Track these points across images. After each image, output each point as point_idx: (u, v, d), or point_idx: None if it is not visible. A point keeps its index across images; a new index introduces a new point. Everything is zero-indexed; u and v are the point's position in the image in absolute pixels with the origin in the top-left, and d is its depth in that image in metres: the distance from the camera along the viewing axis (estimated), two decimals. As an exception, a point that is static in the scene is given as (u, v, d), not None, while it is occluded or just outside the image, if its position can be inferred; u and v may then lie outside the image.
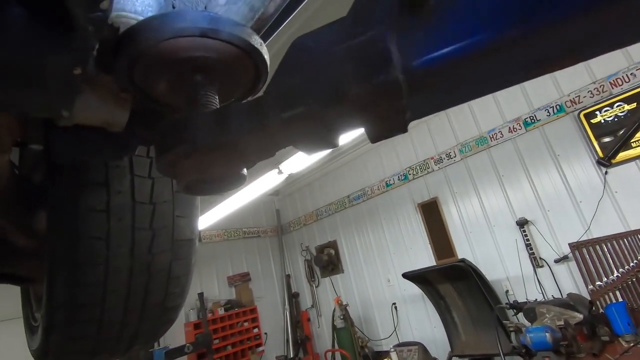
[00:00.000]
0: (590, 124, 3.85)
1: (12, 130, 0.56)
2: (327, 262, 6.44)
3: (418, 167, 5.37)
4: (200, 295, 5.59)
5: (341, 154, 6.12)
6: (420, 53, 0.32)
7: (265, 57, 0.49)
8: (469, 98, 0.39)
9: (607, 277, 3.51)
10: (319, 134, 0.38)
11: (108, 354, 0.85)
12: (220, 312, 5.82)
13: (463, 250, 4.80)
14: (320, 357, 6.15)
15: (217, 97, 0.48)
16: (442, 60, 0.31)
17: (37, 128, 0.60)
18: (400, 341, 5.07)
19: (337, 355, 5.65)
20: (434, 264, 5.04)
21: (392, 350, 4.54)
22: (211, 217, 5.33)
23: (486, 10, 0.30)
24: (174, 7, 0.51)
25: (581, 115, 3.90)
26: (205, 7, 0.52)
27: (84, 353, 0.84)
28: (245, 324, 6.01)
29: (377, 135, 0.39)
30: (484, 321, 4.23)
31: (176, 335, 5.36)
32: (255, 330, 6.12)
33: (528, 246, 4.19)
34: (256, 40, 0.46)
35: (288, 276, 6.98)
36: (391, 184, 5.72)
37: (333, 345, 5.67)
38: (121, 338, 0.84)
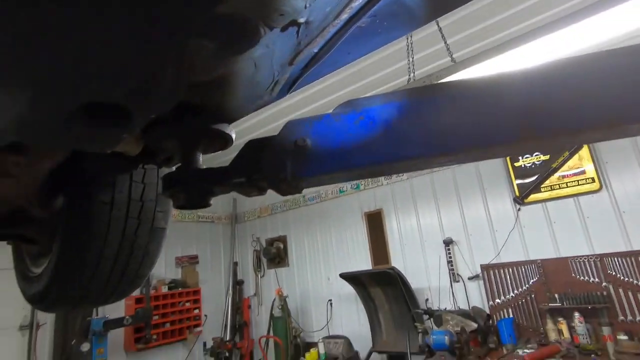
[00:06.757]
0: (513, 167, 4.52)
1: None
2: (275, 254, 6.80)
3: (370, 179, 5.87)
4: (147, 271, 5.73)
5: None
6: (301, 169, 0.70)
7: (232, 135, 0.86)
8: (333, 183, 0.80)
9: (504, 296, 4.19)
10: (252, 192, 0.76)
11: (88, 303, 1.17)
12: (164, 289, 5.99)
13: (397, 259, 5.36)
14: (255, 342, 6.51)
15: (199, 156, 0.84)
16: (310, 174, 0.70)
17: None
18: (330, 334, 5.56)
19: (271, 341, 6.04)
20: (371, 268, 5.57)
21: (320, 341, 5.00)
22: (168, 198, 5.45)
23: (332, 157, 0.69)
24: None
25: (508, 158, 4.57)
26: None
27: (71, 300, 1.15)
28: (187, 304, 6.22)
29: (283, 195, 0.78)
30: (403, 324, 4.81)
31: (116, 307, 5.46)
32: (196, 311, 6.34)
33: (449, 262, 4.82)
34: (226, 127, 0.83)
35: (235, 264, 7.26)
36: (344, 191, 6.18)
37: (269, 332, 6.06)
38: (102, 293, 1.15)
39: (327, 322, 5.87)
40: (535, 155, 4.36)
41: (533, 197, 4.33)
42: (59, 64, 0.53)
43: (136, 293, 5.73)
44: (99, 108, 0.66)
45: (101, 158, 0.90)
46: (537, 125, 0.58)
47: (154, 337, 5.60)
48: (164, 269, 6.31)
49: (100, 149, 0.79)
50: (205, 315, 6.49)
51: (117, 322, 4.94)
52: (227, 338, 6.33)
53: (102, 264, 1.05)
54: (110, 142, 0.77)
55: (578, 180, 4.07)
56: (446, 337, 3.51)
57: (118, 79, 0.60)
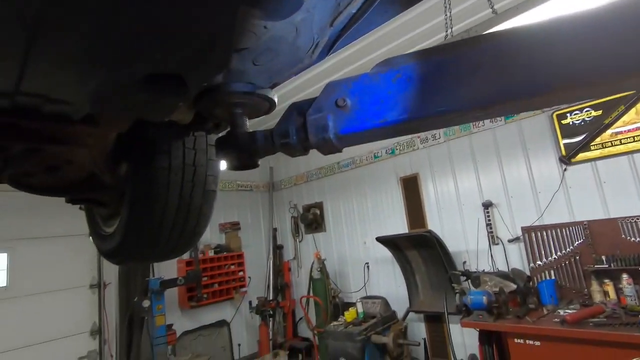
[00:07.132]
0: (560, 124, 4.27)
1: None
2: (312, 220, 7.01)
3: (405, 144, 5.79)
4: (194, 237, 6.15)
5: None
6: (342, 127, 0.74)
7: (275, 99, 0.91)
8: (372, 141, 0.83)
9: (546, 258, 4.11)
10: (297, 152, 0.82)
11: (155, 257, 1.33)
12: (211, 253, 6.43)
13: (433, 223, 5.35)
14: (296, 302, 6.90)
15: (246, 120, 0.90)
16: (351, 131, 0.74)
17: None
18: (368, 295, 5.76)
19: (311, 301, 6.38)
20: (407, 232, 5.62)
21: (358, 301, 5.22)
22: (209, 168, 5.72)
23: (371, 114, 0.73)
24: None
25: (554, 115, 4.30)
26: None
27: (140, 255, 1.31)
28: (232, 267, 6.65)
29: (325, 154, 0.83)
30: (440, 286, 4.89)
31: (169, 269, 5.96)
32: (241, 273, 6.78)
33: (488, 225, 4.75)
34: (270, 92, 0.88)
35: (275, 229, 7.58)
36: (379, 156, 6.15)
37: (308, 293, 6.38)
38: (165, 248, 1.30)
39: (365, 284, 6.07)
40: (586, 112, 4.07)
41: (581, 156, 4.09)
42: (126, 39, 0.60)
43: (186, 257, 6.20)
44: (158, 79, 0.74)
45: (158, 127, 0.99)
46: (578, 75, 0.58)
47: (205, 296, 6.11)
48: (209, 235, 6.73)
49: (159, 117, 0.88)
50: (249, 277, 6.92)
51: (172, 282, 5.42)
52: (271, 298, 6.75)
53: (164, 223, 1.19)
54: (167, 110, 0.85)
55: (634, 137, 3.79)
56: (484, 297, 3.54)
57: (175, 49, 0.66)
